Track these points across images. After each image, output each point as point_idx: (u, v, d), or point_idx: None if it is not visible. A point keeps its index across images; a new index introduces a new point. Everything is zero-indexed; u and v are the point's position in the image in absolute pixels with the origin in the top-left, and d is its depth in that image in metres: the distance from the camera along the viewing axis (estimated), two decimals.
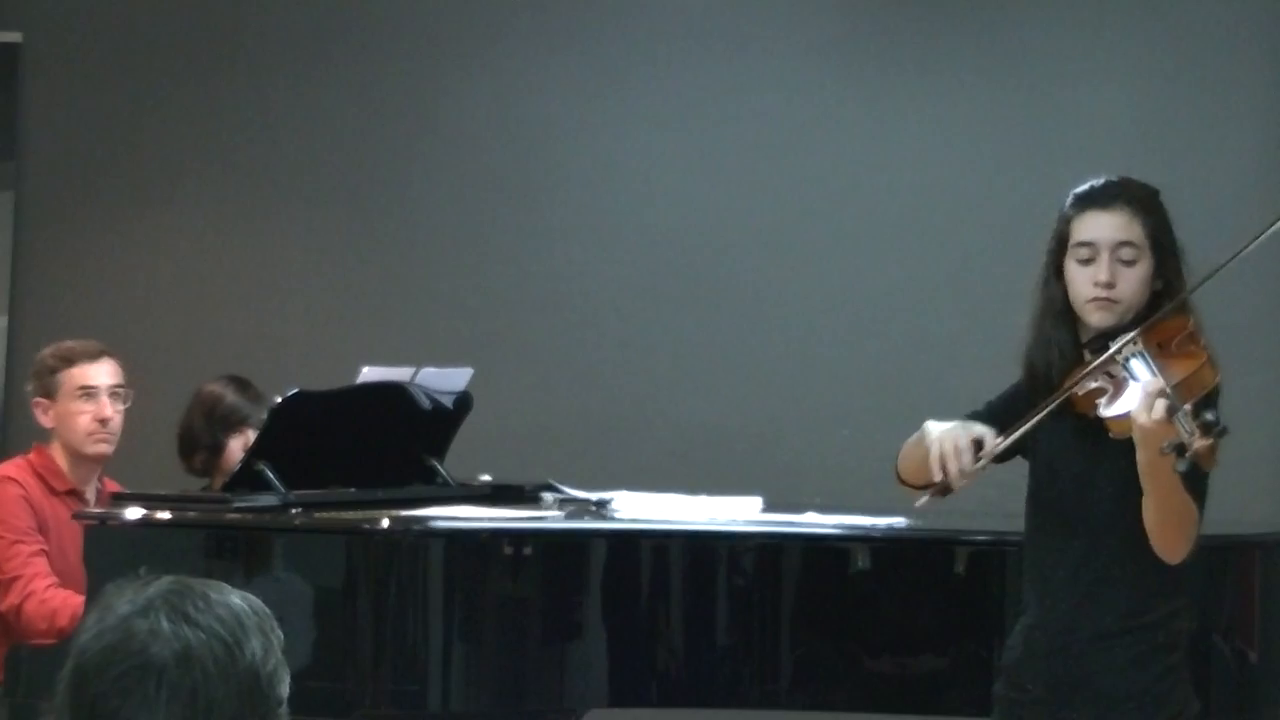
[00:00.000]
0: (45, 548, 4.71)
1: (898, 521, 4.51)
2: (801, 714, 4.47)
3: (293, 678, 2.01)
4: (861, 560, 4.37)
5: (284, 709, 1.97)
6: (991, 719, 3.71)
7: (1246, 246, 3.45)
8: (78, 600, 4.50)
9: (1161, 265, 3.52)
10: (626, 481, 4.83)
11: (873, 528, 4.48)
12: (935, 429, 3.52)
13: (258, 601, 2.00)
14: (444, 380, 4.93)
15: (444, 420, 4.96)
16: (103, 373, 4.88)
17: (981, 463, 3.45)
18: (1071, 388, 3.44)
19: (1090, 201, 3.54)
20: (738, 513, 4.66)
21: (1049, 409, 3.46)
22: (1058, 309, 3.55)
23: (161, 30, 6.79)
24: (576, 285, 6.58)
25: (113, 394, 4.87)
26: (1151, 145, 6.21)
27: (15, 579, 4.65)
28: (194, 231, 6.81)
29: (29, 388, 4.95)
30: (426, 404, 4.88)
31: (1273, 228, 3.47)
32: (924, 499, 3.51)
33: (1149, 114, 6.32)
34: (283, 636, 1.99)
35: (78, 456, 4.85)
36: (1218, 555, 4.45)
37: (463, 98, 6.67)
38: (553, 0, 6.69)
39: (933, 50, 6.49)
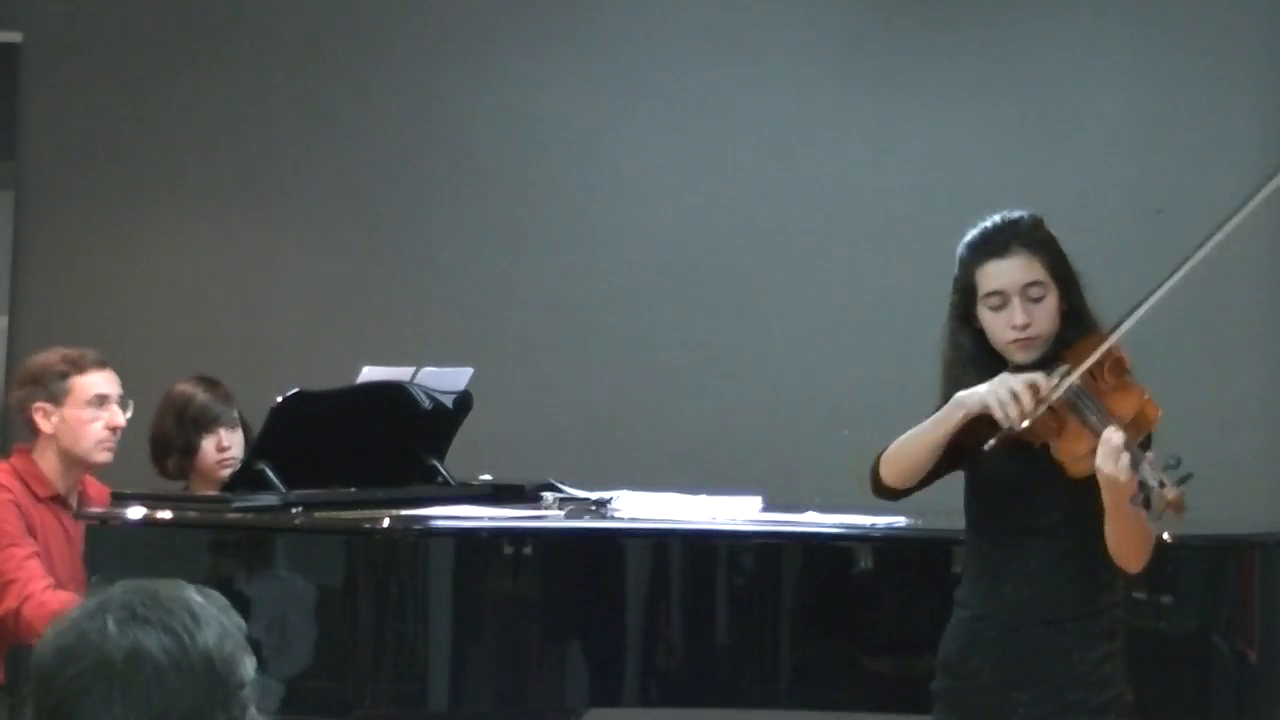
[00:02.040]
0: (39, 551, 4.69)
1: (898, 521, 4.51)
2: (801, 714, 4.47)
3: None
4: (861, 560, 4.38)
5: (247, 690, 2.00)
6: (934, 716, 3.78)
7: (1168, 280, 3.53)
8: (76, 601, 4.48)
9: (1065, 290, 3.68)
10: (626, 481, 4.83)
11: (873, 528, 4.48)
12: (979, 388, 3.58)
13: (215, 593, 2.04)
14: (444, 380, 4.93)
15: (444, 420, 4.96)
16: (111, 381, 4.86)
17: (1042, 407, 3.52)
18: (1048, 404, 3.50)
19: (988, 251, 3.69)
20: (738, 513, 4.66)
21: (1076, 374, 3.51)
22: (966, 355, 3.72)
23: (161, 30, 6.79)
24: (576, 285, 6.58)
25: (120, 403, 4.86)
26: (1151, 145, 6.22)
27: (11, 582, 4.62)
28: (194, 231, 6.81)
29: (22, 394, 4.82)
30: (426, 404, 4.88)
31: (1191, 261, 3.53)
32: (989, 445, 3.54)
33: (1149, 114, 6.32)
34: (243, 624, 2.03)
35: (72, 463, 4.81)
36: (1218, 555, 4.46)
37: (463, 98, 6.67)
38: (553, 0, 6.69)
39: (933, 51, 6.49)
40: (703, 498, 4.69)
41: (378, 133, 6.69)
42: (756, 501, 4.77)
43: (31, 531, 4.71)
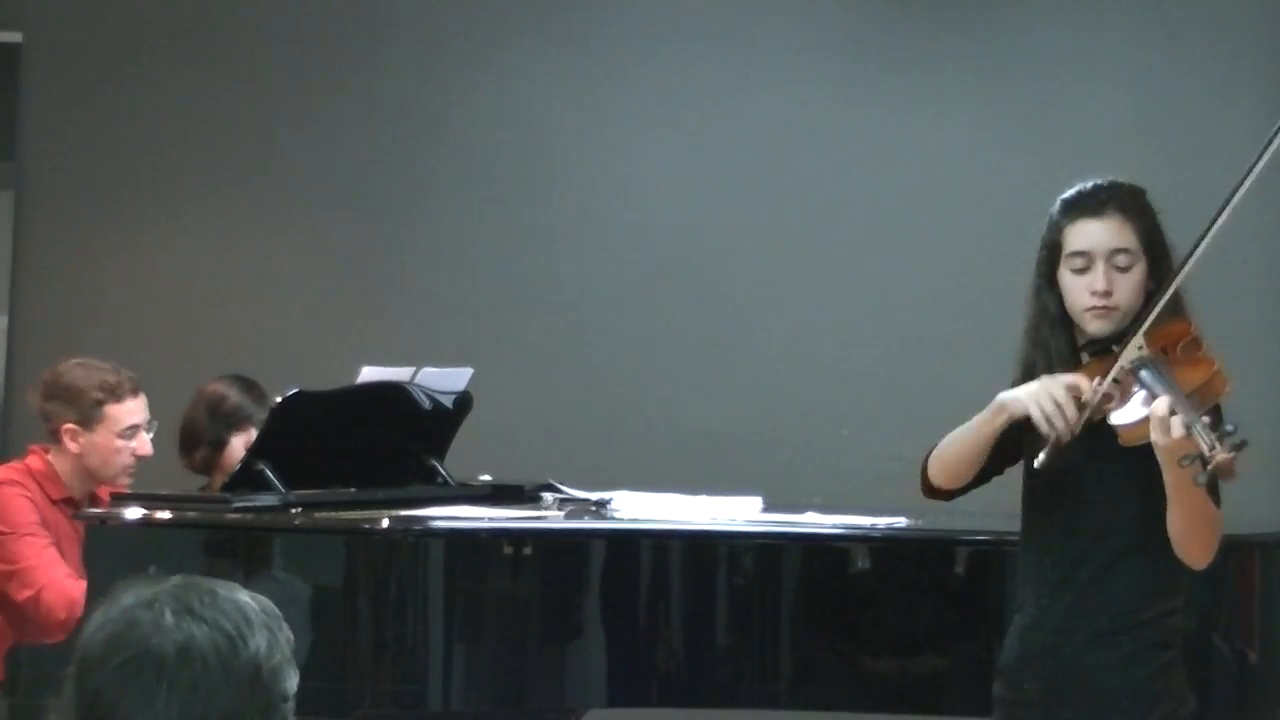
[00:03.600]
0: (55, 542, 4.72)
1: (898, 521, 4.51)
2: (801, 714, 4.47)
3: None
4: (861, 560, 4.37)
5: (289, 705, 1.98)
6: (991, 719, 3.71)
7: (1201, 238, 3.41)
8: None
9: (1155, 267, 3.51)
10: (626, 481, 4.83)
11: (873, 528, 4.48)
12: (1021, 391, 3.44)
13: (267, 602, 2.01)
14: (444, 380, 4.93)
15: (444, 420, 4.96)
16: (143, 408, 4.88)
17: (1086, 412, 3.38)
18: (1116, 371, 3.38)
19: (1081, 209, 3.51)
20: (738, 513, 4.65)
21: (1110, 378, 3.39)
22: (1053, 317, 3.53)
23: (161, 30, 6.79)
24: (576, 285, 6.58)
25: (148, 427, 4.88)
26: (1151, 145, 6.21)
27: (31, 568, 4.65)
28: (194, 231, 6.81)
29: (50, 407, 4.83)
30: (426, 404, 4.87)
31: (1221, 216, 3.42)
32: (1040, 459, 3.40)
33: (1149, 114, 6.32)
34: (291, 638, 2.01)
35: (90, 478, 4.85)
36: (1218, 555, 4.45)
37: (462, 98, 6.67)
38: (553, 0, 6.69)
39: (932, 50, 6.49)
40: (703, 498, 4.69)
41: (378, 132, 6.69)
42: (756, 502, 4.77)
43: (45, 527, 4.74)
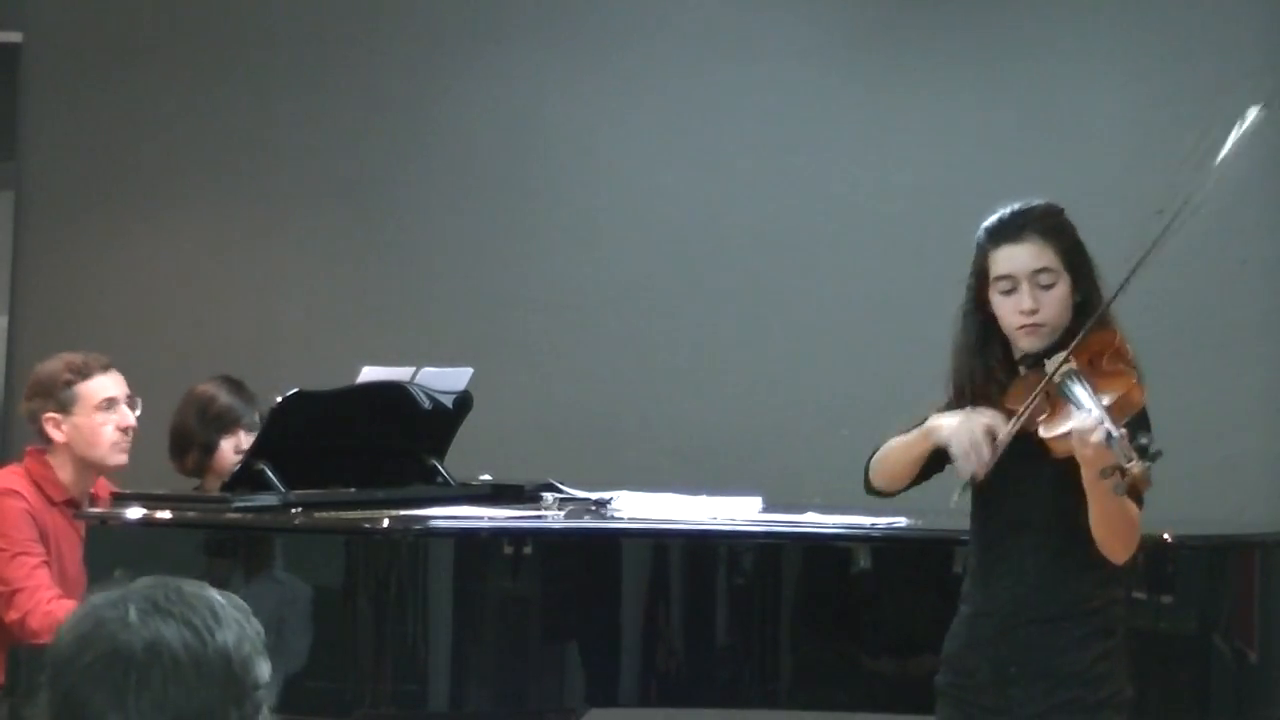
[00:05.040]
0: (48, 559, 4.71)
1: (898, 521, 4.51)
2: (801, 714, 4.47)
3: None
4: (861, 560, 4.38)
5: (261, 693, 1.99)
6: (937, 711, 3.80)
7: (1146, 254, 3.54)
8: None
9: (1078, 280, 3.70)
10: (626, 481, 4.83)
11: (873, 528, 4.48)
12: (946, 423, 3.66)
13: (236, 598, 2.03)
14: (444, 380, 4.93)
15: (444, 420, 4.96)
16: (117, 383, 4.88)
17: (999, 453, 3.58)
18: (1043, 388, 3.57)
19: (1002, 235, 3.72)
20: (738, 513, 4.66)
21: (1031, 405, 3.58)
22: (976, 338, 3.75)
23: (161, 30, 6.80)
24: (576, 285, 6.58)
25: (129, 402, 4.87)
26: (1151, 145, 6.21)
27: (19, 591, 4.64)
28: (194, 232, 6.81)
29: (32, 406, 4.84)
30: (426, 404, 4.88)
31: (1163, 232, 3.55)
32: (956, 495, 3.63)
33: (1149, 114, 6.32)
34: (261, 630, 2.02)
35: (88, 467, 4.84)
36: (1218, 555, 4.46)
37: (462, 98, 6.67)
38: (553, 1, 6.69)
39: (932, 50, 6.49)
40: (703, 498, 4.69)
41: (378, 132, 6.69)
42: (756, 501, 4.77)
43: (44, 535, 4.73)
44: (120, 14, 6.82)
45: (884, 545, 4.43)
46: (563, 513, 4.71)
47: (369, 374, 4.87)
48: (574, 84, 6.62)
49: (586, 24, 6.66)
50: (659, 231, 6.54)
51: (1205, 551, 4.42)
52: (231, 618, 1.99)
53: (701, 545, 4.41)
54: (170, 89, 6.76)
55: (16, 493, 4.74)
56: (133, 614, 1.95)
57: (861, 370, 6.35)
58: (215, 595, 2.01)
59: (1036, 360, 3.66)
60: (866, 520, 4.51)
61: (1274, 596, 4.47)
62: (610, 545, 4.40)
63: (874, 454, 3.83)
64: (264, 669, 2.00)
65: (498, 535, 4.34)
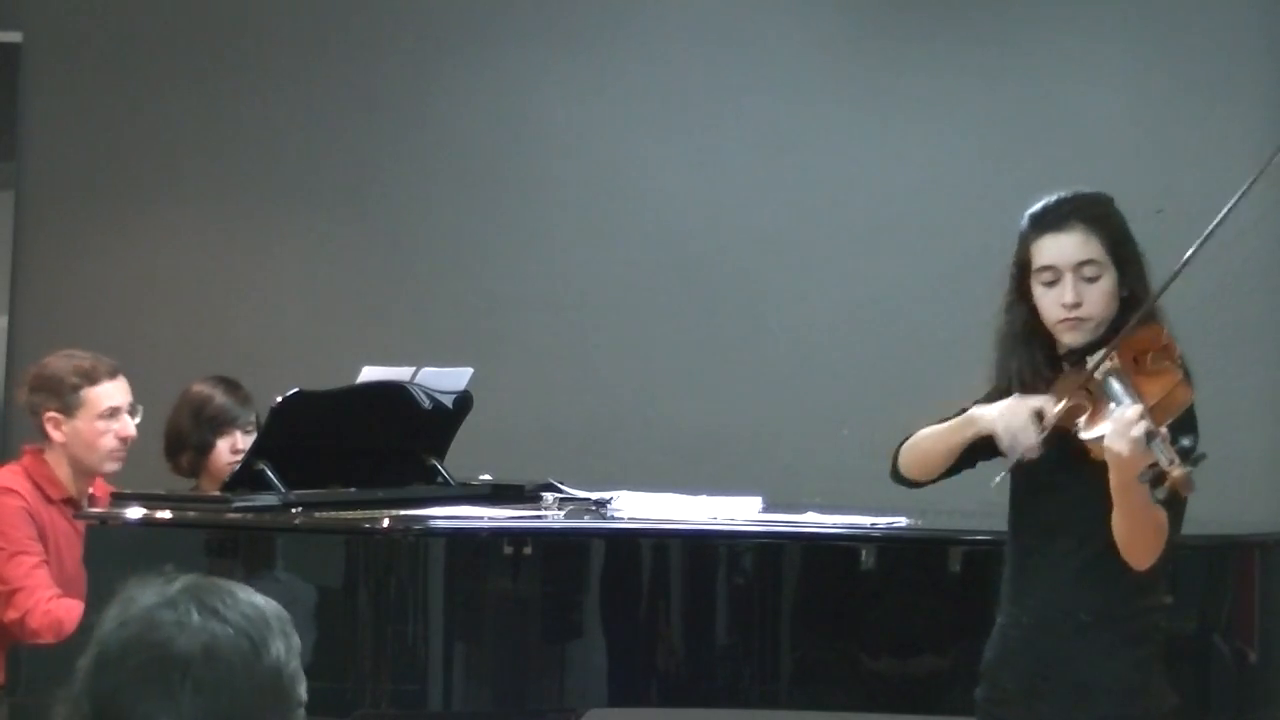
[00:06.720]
0: (46, 558, 4.70)
1: (898, 521, 4.51)
2: (801, 714, 4.47)
3: None
4: (861, 560, 4.37)
5: (302, 711, 1.97)
6: None
7: (1197, 247, 3.43)
8: (80, 608, 4.48)
9: (1124, 275, 3.55)
10: (626, 481, 4.83)
11: (873, 527, 4.48)
12: (990, 411, 3.52)
13: (277, 605, 2.00)
14: (444, 380, 4.93)
15: (444, 420, 4.96)
16: (123, 390, 4.87)
17: (1045, 434, 3.44)
18: (1084, 383, 3.43)
19: (1045, 225, 3.56)
20: (738, 513, 4.66)
21: (1072, 401, 3.44)
22: (1020, 330, 3.59)
23: (161, 30, 6.79)
24: (576, 285, 6.58)
25: (131, 410, 4.87)
26: (1151, 145, 6.21)
27: (18, 590, 4.64)
28: (193, 231, 6.81)
29: (34, 399, 4.84)
30: (426, 404, 4.88)
31: (1214, 224, 3.44)
32: (998, 479, 3.49)
33: (1149, 114, 6.32)
34: (299, 642, 1.99)
35: (82, 470, 4.84)
36: (1218, 555, 4.46)
37: (462, 98, 6.67)
38: (552, 1, 6.69)
39: (933, 50, 6.49)
40: (703, 498, 4.69)
41: (377, 132, 6.69)
42: (756, 501, 4.77)
43: (42, 534, 4.73)
44: (120, 14, 6.82)
45: (884, 545, 4.42)
46: (563, 513, 4.71)
47: (369, 374, 4.86)
48: (574, 84, 6.61)
49: (586, 24, 6.66)
50: (659, 231, 6.54)
51: (1205, 551, 4.42)
52: (279, 629, 1.96)
53: (701, 545, 4.41)
54: (170, 88, 6.76)
55: (14, 491, 4.74)
56: (194, 616, 1.91)
57: (861, 370, 6.35)
58: (263, 602, 1.97)
59: (1080, 357, 3.52)
60: (866, 520, 4.51)
61: (1274, 596, 4.46)
62: (610, 545, 4.40)
63: (904, 441, 3.70)
64: (305, 687, 1.97)
65: (497, 535, 4.34)
